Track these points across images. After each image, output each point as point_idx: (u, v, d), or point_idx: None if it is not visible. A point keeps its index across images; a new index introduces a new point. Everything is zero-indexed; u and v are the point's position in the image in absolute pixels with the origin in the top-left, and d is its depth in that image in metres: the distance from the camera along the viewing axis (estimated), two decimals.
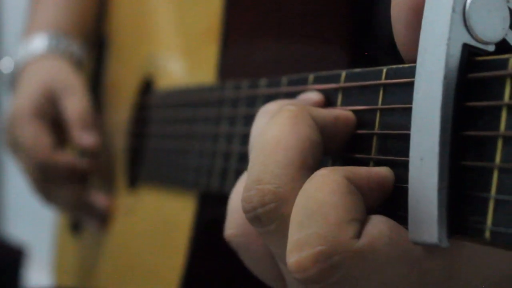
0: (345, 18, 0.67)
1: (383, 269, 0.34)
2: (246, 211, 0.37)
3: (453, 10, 0.32)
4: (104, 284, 0.88)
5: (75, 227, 1.01)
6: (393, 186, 0.36)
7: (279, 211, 0.36)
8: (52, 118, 0.85)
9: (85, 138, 0.83)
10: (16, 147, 0.85)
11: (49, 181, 0.85)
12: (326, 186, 0.34)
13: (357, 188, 0.35)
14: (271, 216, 0.37)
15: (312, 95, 0.43)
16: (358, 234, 0.34)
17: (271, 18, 0.66)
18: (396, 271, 0.34)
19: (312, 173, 0.36)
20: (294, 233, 0.34)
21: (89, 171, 0.88)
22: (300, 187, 0.36)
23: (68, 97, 0.84)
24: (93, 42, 0.99)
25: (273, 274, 0.42)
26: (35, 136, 0.83)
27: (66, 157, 0.85)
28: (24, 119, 0.83)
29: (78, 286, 0.97)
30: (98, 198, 0.88)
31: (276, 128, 0.38)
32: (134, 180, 0.84)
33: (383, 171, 0.37)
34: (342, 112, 0.40)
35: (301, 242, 0.34)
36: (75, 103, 0.84)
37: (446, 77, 0.32)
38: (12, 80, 0.90)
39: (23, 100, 0.85)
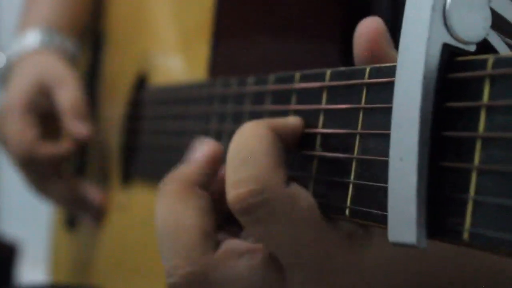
0: (338, 16, 0.67)
1: (298, 224, 0.39)
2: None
3: (433, 9, 0.32)
4: (98, 280, 0.88)
5: (71, 223, 1.01)
6: (370, 186, 0.37)
7: (206, 283, 0.42)
8: (44, 111, 0.84)
9: (78, 127, 0.82)
10: (4, 142, 0.85)
11: (36, 174, 0.85)
12: (254, 136, 0.40)
13: (278, 136, 0.40)
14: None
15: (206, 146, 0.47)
16: (286, 182, 0.39)
17: (263, 15, 0.65)
18: (308, 235, 0.40)
19: (215, 236, 0.43)
20: (231, 176, 0.39)
21: (71, 152, 0.86)
22: (212, 253, 0.42)
23: (61, 88, 0.83)
24: (87, 39, 0.99)
25: None
26: (20, 130, 0.82)
27: (49, 148, 0.84)
28: (14, 114, 0.83)
29: (73, 282, 0.97)
30: (93, 194, 0.88)
31: (171, 212, 0.43)
32: (128, 176, 0.84)
33: (293, 119, 0.42)
34: (291, 121, 0.44)
35: (238, 182, 0.39)
36: (68, 94, 0.83)
37: (425, 77, 0.32)
38: (4, 75, 0.90)
39: (14, 94, 0.84)
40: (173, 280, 0.42)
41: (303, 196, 0.40)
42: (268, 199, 0.38)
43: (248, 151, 0.39)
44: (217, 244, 0.43)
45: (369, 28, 0.40)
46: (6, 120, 0.84)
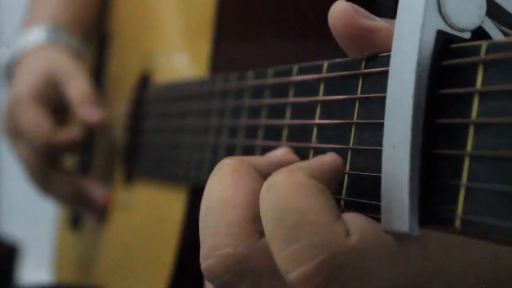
0: None
1: (376, 261, 0.34)
2: (211, 280, 0.37)
3: None
4: (102, 279, 0.88)
5: (75, 222, 1.01)
6: (365, 176, 0.36)
7: (246, 269, 0.36)
8: (53, 102, 0.85)
9: (91, 114, 0.82)
10: (16, 133, 0.85)
11: (49, 166, 0.85)
12: (296, 192, 0.33)
13: (321, 182, 0.34)
14: (239, 278, 0.36)
15: (282, 152, 0.43)
16: (347, 231, 0.33)
17: (264, 14, 0.65)
18: (385, 262, 0.34)
19: (261, 225, 0.35)
20: (283, 249, 0.33)
21: (90, 134, 0.87)
22: (257, 239, 0.36)
23: (70, 81, 0.84)
24: (93, 37, 0.99)
25: None
26: (36, 119, 0.83)
27: (66, 133, 0.85)
28: (24, 104, 0.83)
29: (77, 281, 0.97)
30: (97, 192, 0.88)
31: (219, 186, 0.37)
32: (131, 175, 0.84)
33: (332, 157, 0.37)
34: (284, 159, 0.40)
35: (298, 256, 0.32)
36: (78, 85, 0.84)
37: (419, 64, 0.32)
38: (9, 70, 0.90)
39: (22, 86, 0.84)
40: (209, 263, 0.36)
41: (364, 228, 0.34)
42: (342, 264, 0.33)
43: (295, 211, 0.33)
44: (262, 234, 0.36)
45: (338, 14, 0.36)
46: (18, 112, 0.84)
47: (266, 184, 0.34)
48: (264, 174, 0.38)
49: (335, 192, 0.36)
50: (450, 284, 0.38)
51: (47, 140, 0.83)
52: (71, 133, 0.85)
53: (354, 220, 0.34)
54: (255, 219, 0.36)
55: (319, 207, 0.33)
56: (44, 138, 0.82)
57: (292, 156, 0.41)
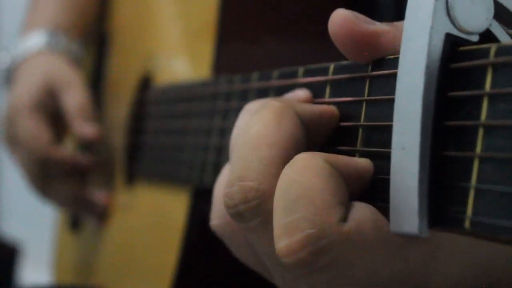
0: None
1: (369, 253, 0.34)
2: (228, 207, 0.37)
3: None
4: (102, 281, 0.88)
5: (75, 224, 1.01)
6: (372, 178, 0.36)
7: (262, 208, 0.36)
8: (52, 112, 0.85)
9: (86, 129, 0.83)
10: (15, 142, 0.85)
11: (47, 176, 0.85)
12: (309, 169, 0.34)
13: (338, 172, 0.35)
14: (253, 213, 0.37)
15: (299, 93, 0.43)
16: (345, 218, 0.34)
17: (266, 15, 0.66)
18: (381, 257, 0.35)
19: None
20: (281, 218, 0.34)
21: (88, 166, 0.88)
22: None
23: (68, 91, 0.84)
24: (93, 39, 0.99)
25: (258, 261, 0.42)
26: (35, 130, 0.83)
27: (66, 153, 0.85)
28: (24, 113, 0.83)
29: (76, 283, 0.97)
30: (97, 195, 0.88)
31: (261, 123, 0.37)
32: (132, 177, 0.84)
33: (362, 161, 0.37)
34: (326, 108, 0.40)
35: (290, 227, 0.33)
36: (75, 96, 0.84)
37: (428, 67, 0.32)
38: (8, 75, 0.90)
39: (22, 94, 0.85)
40: (231, 190, 0.37)
41: (364, 219, 0.34)
42: (329, 246, 0.33)
43: (301, 186, 0.34)
44: None
45: (340, 22, 0.37)
46: (18, 121, 0.84)
47: (289, 162, 0.35)
48: (304, 122, 0.39)
49: (356, 198, 0.36)
50: (449, 284, 0.38)
51: (46, 153, 0.83)
52: (71, 153, 0.86)
53: (359, 209, 0.35)
54: (285, 163, 0.36)
55: (323, 187, 0.34)
56: (42, 151, 0.83)
57: (335, 109, 0.40)
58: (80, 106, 0.84)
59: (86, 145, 0.90)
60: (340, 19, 0.37)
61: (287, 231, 0.34)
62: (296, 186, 0.34)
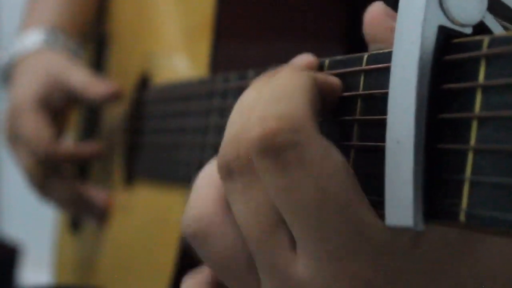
0: (339, 14, 0.67)
1: (330, 170, 0.34)
2: (220, 165, 0.39)
3: None
4: (102, 281, 0.88)
5: (75, 224, 1.01)
6: (367, 172, 0.36)
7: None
8: (56, 107, 0.85)
9: (103, 88, 0.83)
10: (16, 141, 0.85)
11: (48, 175, 0.85)
12: (293, 75, 0.35)
13: (317, 85, 0.36)
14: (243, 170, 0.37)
15: (305, 56, 0.42)
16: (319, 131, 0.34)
17: (264, 14, 0.66)
18: (338, 185, 0.34)
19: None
20: (257, 112, 0.34)
21: (94, 153, 0.88)
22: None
23: (72, 72, 0.84)
24: (91, 39, 0.99)
25: (241, 261, 0.39)
26: (37, 127, 0.83)
27: (67, 147, 0.85)
28: (26, 110, 0.83)
29: (77, 283, 0.97)
30: (97, 195, 0.88)
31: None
32: (131, 176, 0.84)
33: (335, 79, 0.39)
34: (331, 77, 0.40)
35: (267, 117, 0.34)
36: (80, 73, 0.84)
37: (421, 59, 0.32)
38: (5, 73, 0.90)
39: (24, 90, 0.84)
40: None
41: (335, 150, 0.34)
42: (300, 141, 0.33)
43: (283, 88, 0.34)
44: None
45: (373, 13, 0.39)
46: (20, 120, 0.84)
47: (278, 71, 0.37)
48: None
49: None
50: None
51: (47, 151, 0.83)
52: (72, 147, 0.86)
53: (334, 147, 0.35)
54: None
55: (305, 91, 0.35)
56: (43, 149, 0.83)
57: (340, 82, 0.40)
58: (89, 77, 0.84)
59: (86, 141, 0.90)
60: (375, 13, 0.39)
61: (264, 120, 0.34)
62: (277, 87, 0.35)
